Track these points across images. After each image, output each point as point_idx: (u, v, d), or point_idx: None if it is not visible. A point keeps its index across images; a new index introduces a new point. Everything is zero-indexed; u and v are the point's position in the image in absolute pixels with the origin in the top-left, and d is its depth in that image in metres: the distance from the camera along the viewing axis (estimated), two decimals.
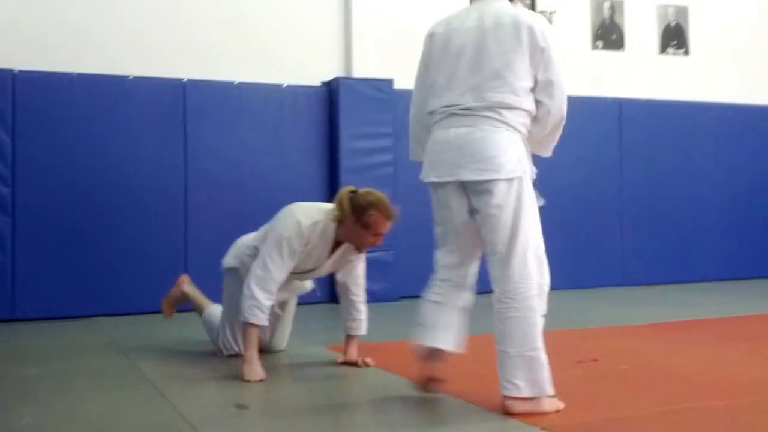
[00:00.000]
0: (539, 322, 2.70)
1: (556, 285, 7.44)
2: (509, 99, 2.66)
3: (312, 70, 6.58)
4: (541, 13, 7.49)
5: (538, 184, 2.82)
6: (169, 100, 5.99)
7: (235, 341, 3.73)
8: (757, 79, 8.38)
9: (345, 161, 6.33)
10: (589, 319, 5.18)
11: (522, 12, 2.74)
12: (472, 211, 2.73)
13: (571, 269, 6.88)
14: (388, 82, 6.51)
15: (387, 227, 3.38)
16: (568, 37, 7.62)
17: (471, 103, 2.68)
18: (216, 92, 6.14)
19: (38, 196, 5.62)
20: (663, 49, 8.15)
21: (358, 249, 3.46)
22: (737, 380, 3.19)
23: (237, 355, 3.71)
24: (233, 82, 6.21)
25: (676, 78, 8.07)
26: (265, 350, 3.79)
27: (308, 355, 3.98)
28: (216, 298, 6.38)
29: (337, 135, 6.32)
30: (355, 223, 3.33)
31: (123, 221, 5.82)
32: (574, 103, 7.94)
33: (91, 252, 5.73)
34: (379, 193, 3.42)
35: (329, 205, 3.47)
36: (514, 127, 2.68)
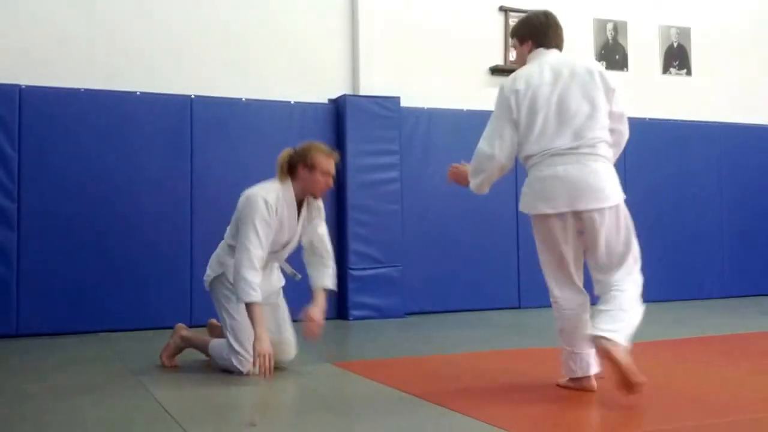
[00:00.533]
0: (633, 301, 3.19)
1: None
2: (600, 134, 3.20)
3: (319, 88, 6.64)
4: None
5: None
6: (176, 116, 6.03)
7: (242, 346, 3.75)
8: (759, 99, 8.45)
9: (352, 178, 6.37)
10: None
11: (584, 59, 3.37)
12: (581, 232, 3.25)
13: None
14: (395, 100, 6.57)
15: (330, 164, 3.79)
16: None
17: (570, 143, 3.17)
18: (223, 108, 6.19)
19: (44, 211, 5.65)
20: (665, 69, 8.23)
21: (315, 195, 3.85)
22: (741, 398, 3.21)
23: (249, 374, 3.72)
24: (241, 99, 6.27)
25: (679, 98, 8.12)
26: (276, 361, 3.75)
27: (315, 372, 3.99)
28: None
29: (344, 152, 6.36)
30: (303, 169, 3.75)
31: (129, 236, 5.85)
32: None
33: (96, 267, 5.75)
34: (314, 141, 3.97)
35: (276, 178, 3.81)
36: (606, 157, 3.22)
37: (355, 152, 6.39)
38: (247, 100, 6.28)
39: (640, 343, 4.71)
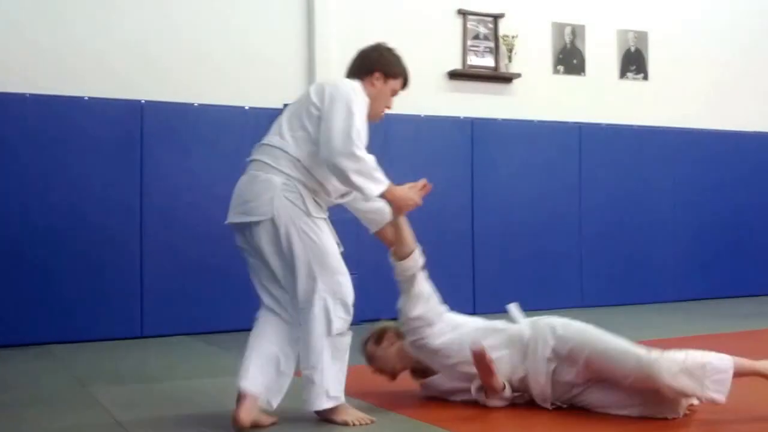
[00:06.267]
0: None
1: (519, 306, 7.26)
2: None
3: (274, 92, 6.49)
4: (503, 38, 7.53)
5: None
6: (127, 121, 5.87)
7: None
8: (715, 104, 8.46)
9: None
10: None
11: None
12: None
13: (530, 291, 6.99)
14: None
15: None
16: (530, 62, 7.65)
17: None
18: (175, 114, 6.04)
19: None
20: (623, 74, 8.23)
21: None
22: (702, 409, 3.14)
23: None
24: (193, 104, 6.11)
25: (635, 103, 8.14)
26: None
27: None
28: (177, 321, 6.21)
29: None
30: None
31: (77, 245, 5.67)
32: (536, 127, 8.04)
33: (44, 279, 5.57)
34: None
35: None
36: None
37: None
38: (199, 105, 6.12)
39: None
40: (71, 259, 5.66)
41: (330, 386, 2.87)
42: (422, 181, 3.08)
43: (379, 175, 2.88)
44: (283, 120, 3.00)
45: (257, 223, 2.86)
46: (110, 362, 4.76)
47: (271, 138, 2.98)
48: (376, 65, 3.14)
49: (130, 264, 5.83)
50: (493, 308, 6.83)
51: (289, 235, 2.85)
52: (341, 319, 2.92)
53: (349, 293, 2.96)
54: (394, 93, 3.22)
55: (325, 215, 3.03)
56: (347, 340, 2.98)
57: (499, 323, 3.24)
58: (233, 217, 2.95)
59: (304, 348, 2.89)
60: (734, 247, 8.20)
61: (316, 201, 2.96)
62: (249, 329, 5.67)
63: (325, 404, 2.88)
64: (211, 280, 6.00)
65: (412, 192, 3.02)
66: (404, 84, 3.23)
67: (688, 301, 7.77)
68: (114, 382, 3.99)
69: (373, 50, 3.20)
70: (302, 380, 2.92)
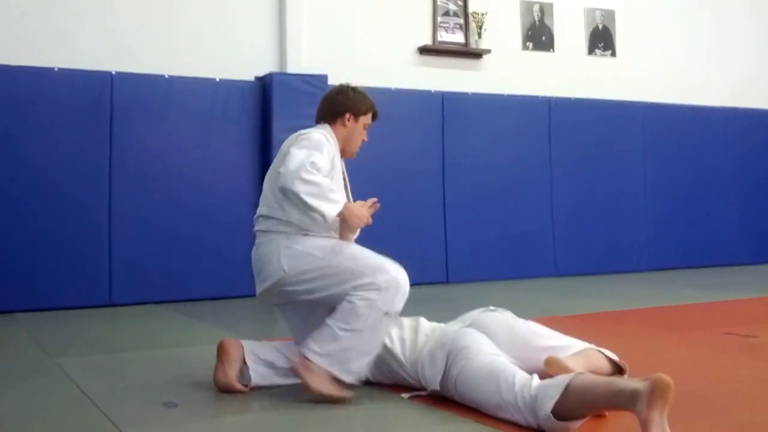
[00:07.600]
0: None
1: (491, 276, 7.44)
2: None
3: (245, 65, 6.51)
4: (473, 14, 7.59)
5: None
6: (97, 92, 5.83)
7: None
8: (679, 80, 8.59)
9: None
10: (524, 311, 5.11)
11: None
12: None
13: (504, 260, 7.29)
14: (322, 78, 6.48)
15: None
16: (499, 38, 7.72)
17: None
18: (145, 85, 6.01)
19: None
20: (591, 50, 8.33)
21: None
22: (671, 371, 3.16)
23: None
24: (164, 76, 6.09)
25: (603, 78, 8.24)
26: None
27: None
28: (147, 289, 6.18)
29: (270, 130, 6.27)
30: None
31: (44, 215, 5.65)
32: (506, 101, 8.08)
33: (10, 247, 5.54)
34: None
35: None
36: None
37: (281, 128, 6.17)
38: (170, 76, 6.10)
39: (571, 316, 4.83)
40: (37, 226, 5.61)
41: (356, 361, 2.80)
42: (372, 200, 3.03)
43: (335, 196, 2.82)
44: (266, 186, 3.10)
45: (276, 282, 2.92)
46: (78, 331, 4.70)
47: (261, 209, 3.06)
48: (345, 108, 3.14)
49: (97, 231, 5.79)
50: (466, 277, 7.17)
51: (308, 279, 2.89)
52: (395, 302, 2.86)
53: (396, 284, 2.87)
54: (367, 126, 3.24)
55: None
56: (392, 324, 2.90)
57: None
58: (258, 289, 3.03)
59: (345, 310, 2.79)
60: (703, 218, 8.41)
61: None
62: (218, 298, 5.64)
63: (343, 376, 2.79)
64: (181, 248, 6.01)
65: (364, 209, 2.95)
66: (374, 116, 3.25)
67: (659, 271, 7.95)
68: (82, 352, 3.94)
69: (339, 94, 3.19)
70: (323, 329, 2.80)
